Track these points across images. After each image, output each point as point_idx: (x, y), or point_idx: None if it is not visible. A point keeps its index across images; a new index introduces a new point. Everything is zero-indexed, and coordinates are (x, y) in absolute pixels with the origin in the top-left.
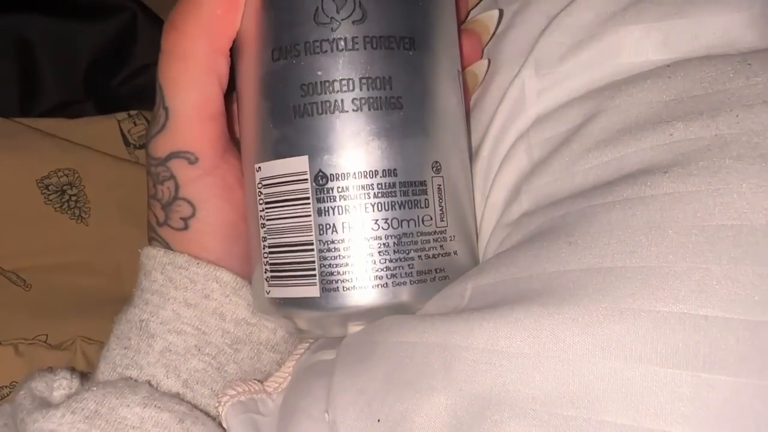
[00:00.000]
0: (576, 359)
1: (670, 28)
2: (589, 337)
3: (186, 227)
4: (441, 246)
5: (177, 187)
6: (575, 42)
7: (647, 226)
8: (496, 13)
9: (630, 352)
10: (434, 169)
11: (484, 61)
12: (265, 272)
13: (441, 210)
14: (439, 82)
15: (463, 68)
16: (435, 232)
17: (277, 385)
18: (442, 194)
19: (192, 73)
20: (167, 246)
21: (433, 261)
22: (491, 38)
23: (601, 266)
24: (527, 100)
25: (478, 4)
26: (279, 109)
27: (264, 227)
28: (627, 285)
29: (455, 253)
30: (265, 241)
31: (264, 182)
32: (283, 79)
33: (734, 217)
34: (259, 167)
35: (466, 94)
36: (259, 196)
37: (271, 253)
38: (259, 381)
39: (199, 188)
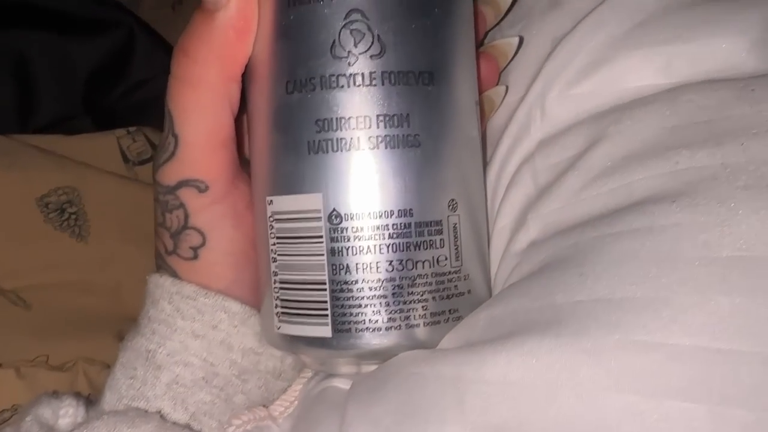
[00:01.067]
0: (590, 392)
1: (672, 52)
2: (603, 369)
3: (195, 257)
4: (455, 286)
5: (187, 216)
6: (580, 66)
7: (657, 257)
8: (516, 40)
9: (644, 386)
10: (450, 207)
11: (502, 88)
12: (276, 307)
13: (456, 249)
14: (458, 117)
15: (480, 93)
16: (450, 272)
17: (283, 409)
18: (458, 233)
19: (203, 100)
20: (175, 275)
21: (447, 302)
22: (508, 64)
23: (611, 297)
24: (532, 124)
25: (497, 24)
26: (293, 144)
27: (275, 261)
28: (639, 317)
29: (469, 292)
30: (276, 275)
31: (276, 216)
32: (298, 114)
33: (743, 249)
34: (271, 200)
35: (482, 120)
36: (271, 229)
37: (282, 288)
38: (264, 406)
39: (209, 217)
